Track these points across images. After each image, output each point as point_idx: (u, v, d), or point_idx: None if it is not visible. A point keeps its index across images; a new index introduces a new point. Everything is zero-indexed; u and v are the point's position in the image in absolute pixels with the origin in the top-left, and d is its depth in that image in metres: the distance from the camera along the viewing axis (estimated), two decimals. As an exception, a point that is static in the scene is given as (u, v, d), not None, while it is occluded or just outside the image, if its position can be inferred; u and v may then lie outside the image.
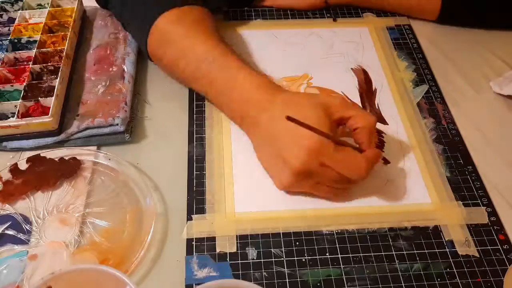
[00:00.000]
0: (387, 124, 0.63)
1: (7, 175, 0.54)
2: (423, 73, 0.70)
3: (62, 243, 0.50)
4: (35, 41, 0.65)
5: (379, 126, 0.62)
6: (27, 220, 0.52)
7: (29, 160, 0.56)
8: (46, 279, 0.36)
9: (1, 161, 0.56)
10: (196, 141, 0.60)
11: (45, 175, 0.55)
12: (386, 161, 0.58)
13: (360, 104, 0.65)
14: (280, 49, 0.72)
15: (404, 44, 0.74)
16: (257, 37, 0.74)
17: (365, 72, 0.69)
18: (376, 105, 0.65)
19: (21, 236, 0.50)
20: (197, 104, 0.64)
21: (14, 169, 0.55)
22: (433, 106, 0.65)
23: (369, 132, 0.52)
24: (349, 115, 0.53)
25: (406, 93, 0.67)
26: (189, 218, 0.53)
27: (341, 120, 0.53)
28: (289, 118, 0.46)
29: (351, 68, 0.70)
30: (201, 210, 0.53)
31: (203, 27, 0.60)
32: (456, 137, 0.62)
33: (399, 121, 0.63)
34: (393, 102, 0.66)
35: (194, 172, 0.57)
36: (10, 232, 0.51)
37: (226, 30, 0.74)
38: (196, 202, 0.54)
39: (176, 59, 0.60)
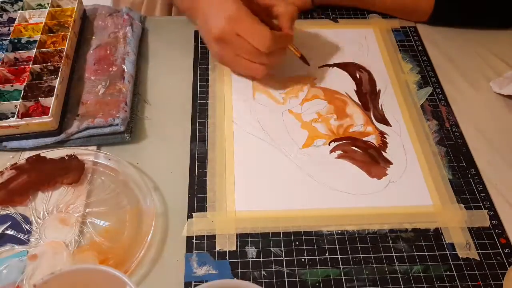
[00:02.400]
0: (390, 126, 0.63)
1: (7, 175, 0.54)
2: (428, 76, 0.69)
3: (62, 243, 0.50)
4: (35, 41, 0.65)
5: (382, 127, 0.62)
6: (27, 220, 0.51)
7: (29, 160, 0.56)
8: (46, 279, 0.36)
9: (1, 161, 0.56)
10: (198, 140, 0.60)
11: (45, 175, 0.54)
12: (305, 61, 0.64)
13: (362, 105, 0.65)
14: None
15: (409, 46, 0.74)
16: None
17: (368, 73, 0.69)
18: (380, 106, 0.65)
19: (21, 236, 0.50)
20: (200, 102, 0.64)
21: (14, 169, 0.55)
22: (437, 108, 0.65)
23: (288, 18, 0.61)
24: (273, 3, 0.62)
25: (410, 95, 0.67)
26: (190, 216, 0.53)
27: (267, 8, 0.62)
28: None
29: (355, 69, 0.70)
30: (202, 208, 0.53)
31: None
32: (459, 139, 0.62)
33: (402, 123, 0.63)
34: (397, 104, 0.65)
35: (196, 170, 0.57)
36: (10, 232, 0.50)
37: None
38: (197, 200, 0.54)
39: None
